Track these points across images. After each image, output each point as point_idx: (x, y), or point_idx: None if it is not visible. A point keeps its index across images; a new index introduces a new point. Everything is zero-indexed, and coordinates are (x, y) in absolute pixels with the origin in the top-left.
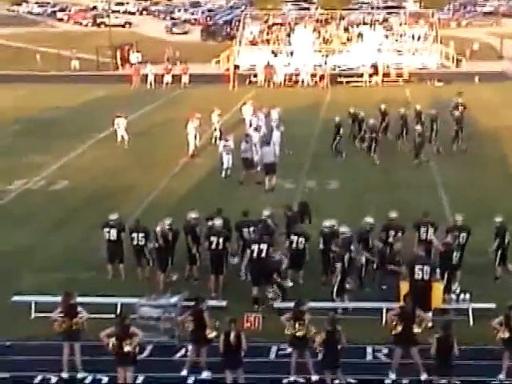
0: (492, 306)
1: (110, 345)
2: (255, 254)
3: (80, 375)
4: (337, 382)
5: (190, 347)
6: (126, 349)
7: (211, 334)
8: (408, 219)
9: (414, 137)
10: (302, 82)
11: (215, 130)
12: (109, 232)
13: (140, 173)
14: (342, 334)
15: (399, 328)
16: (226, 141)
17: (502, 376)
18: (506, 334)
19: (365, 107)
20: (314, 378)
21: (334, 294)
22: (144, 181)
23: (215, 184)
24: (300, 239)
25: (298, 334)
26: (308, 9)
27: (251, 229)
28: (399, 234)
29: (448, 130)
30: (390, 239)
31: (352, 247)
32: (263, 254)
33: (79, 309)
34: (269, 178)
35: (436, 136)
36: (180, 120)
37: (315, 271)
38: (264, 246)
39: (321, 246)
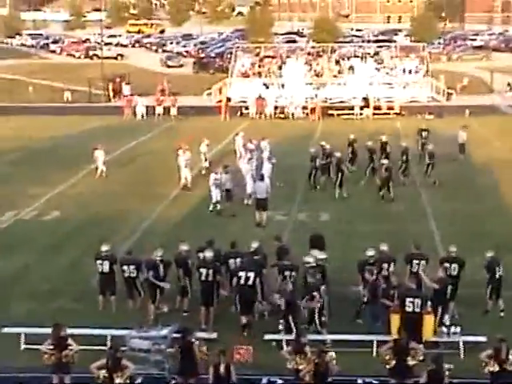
0: (483, 339)
1: (101, 377)
2: (242, 281)
3: None
4: None
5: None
6: (117, 381)
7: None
8: (399, 251)
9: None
10: (293, 114)
11: (205, 160)
12: (101, 264)
13: (132, 202)
14: (331, 364)
15: (393, 362)
16: (216, 174)
17: None
18: (496, 368)
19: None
20: None
21: (319, 326)
22: (136, 210)
23: (207, 215)
24: (292, 273)
25: (300, 368)
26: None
27: (238, 260)
28: (391, 266)
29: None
30: (384, 272)
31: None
32: (250, 282)
33: (69, 341)
34: (259, 213)
35: (406, 168)
36: (172, 150)
37: None
38: (251, 274)
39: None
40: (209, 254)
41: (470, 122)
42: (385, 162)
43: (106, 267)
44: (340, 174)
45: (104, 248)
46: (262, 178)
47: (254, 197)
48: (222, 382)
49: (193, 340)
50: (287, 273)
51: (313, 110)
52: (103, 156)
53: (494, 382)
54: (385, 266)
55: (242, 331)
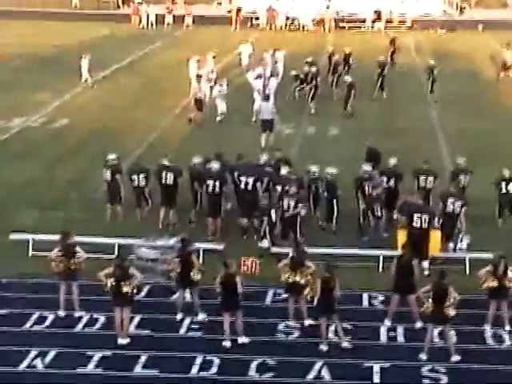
0: (489, 255)
1: (108, 285)
2: (242, 186)
3: (77, 314)
4: (332, 327)
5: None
6: (125, 290)
7: (196, 276)
8: (407, 166)
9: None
10: (304, 26)
11: (212, 71)
12: (106, 172)
13: (141, 112)
14: (337, 281)
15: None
16: (221, 85)
17: (486, 326)
18: (494, 283)
19: (367, 53)
20: (307, 322)
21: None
22: (145, 120)
23: (216, 125)
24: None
25: (299, 281)
26: None
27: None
28: (393, 180)
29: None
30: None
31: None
32: (249, 187)
33: (77, 249)
34: (265, 135)
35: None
36: (183, 61)
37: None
38: (251, 179)
39: (325, 194)
40: (215, 165)
41: (483, 36)
42: (347, 78)
43: (108, 176)
44: (313, 88)
45: (110, 156)
46: (267, 98)
47: (259, 117)
48: (229, 292)
49: (191, 250)
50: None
51: (323, 21)
52: (87, 65)
53: (492, 298)
54: (392, 180)
55: (241, 234)
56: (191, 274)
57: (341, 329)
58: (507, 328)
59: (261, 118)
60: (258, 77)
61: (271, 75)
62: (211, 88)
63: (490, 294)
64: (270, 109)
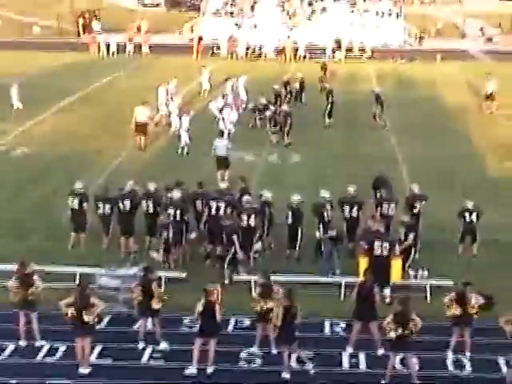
0: (449, 283)
1: (69, 314)
2: (213, 211)
3: (38, 343)
4: (294, 355)
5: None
6: (86, 319)
7: (157, 305)
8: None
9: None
10: (265, 55)
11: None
12: (72, 201)
13: (103, 140)
14: (299, 309)
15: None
16: (188, 116)
17: (448, 353)
18: (458, 311)
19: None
20: (274, 350)
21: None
22: (107, 148)
23: (177, 156)
24: (251, 217)
25: (264, 308)
26: None
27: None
28: (354, 208)
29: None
30: (346, 214)
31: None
32: (221, 212)
33: (35, 278)
34: (221, 173)
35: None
36: (145, 88)
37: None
38: (222, 204)
39: (289, 221)
40: (177, 194)
41: (442, 66)
42: (284, 108)
43: (75, 204)
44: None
45: (77, 185)
46: (221, 135)
47: (213, 154)
48: (207, 319)
49: (153, 278)
50: (244, 216)
51: (283, 50)
52: (16, 93)
53: (455, 325)
54: (354, 209)
55: (205, 259)
56: (153, 302)
57: (303, 355)
58: (468, 354)
59: (215, 154)
60: (223, 107)
61: (232, 109)
62: (180, 118)
63: (454, 322)
64: (224, 145)
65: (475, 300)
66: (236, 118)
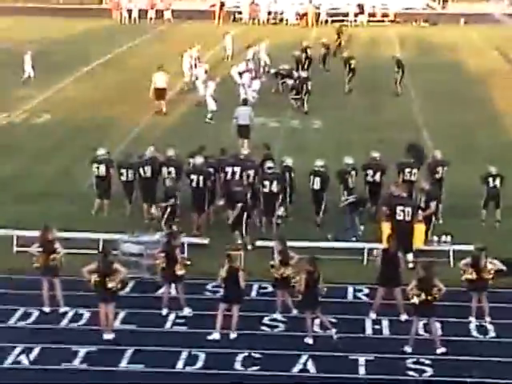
0: (472, 247)
1: (93, 281)
2: (229, 176)
3: (62, 310)
4: (317, 320)
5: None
6: (109, 285)
7: (180, 271)
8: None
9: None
10: (287, 20)
11: (195, 67)
12: (98, 168)
13: (124, 107)
14: (321, 274)
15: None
16: (213, 83)
17: (471, 318)
18: (473, 276)
19: (349, 47)
20: (295, 312)
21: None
22: (129, 115)
23: (200, 120)
24: (273, 183)
25: (284, 275)
26: None
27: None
28: (378, 173)
29: None
30: (369, 178)
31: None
32: (236, 176)
33: (56, 244)
34: (241, 141)
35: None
36: (166, 55)
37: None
38: (238, 169)
39: (315, 186)
40: (199, 160)
41: (465, 30)
42: (303, 74)
43: (102, 171)
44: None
45: (100, 151)
46: (245, 103)
47: (236, 122)
48: (231, 286)
49: (177, 244)
50: (266, 183)
51: (305, 15)
52: (30, 60)
53: (471, 290)
54: (377, 173)
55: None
56: (176, 268)
57: (326, 320)
58: (487, 319)
59: (237, 123)
60: (243, 72)
61: (255, 77)
62: (206, 84)
63: (470, 286)
64: (247, 114)
65: (491, 265)
66: (259, 86)
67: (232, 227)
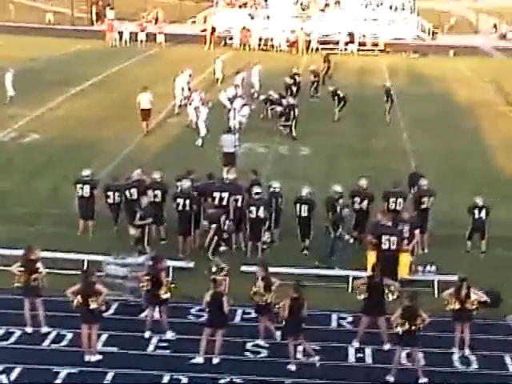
0: (457, 278)
1: (75, 302)
2: (216, 201)
3: (43, 330)
4: (301, 347)
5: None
6: (92, 306)
7: (165, 295)
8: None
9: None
10: (277, 47)
11: (188, 90)
12: (81, 188)
13: (115, 128)
14: (305, 301)
15: (365, 296)
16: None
17: (454, 349)
18: (457, 306)
19: (339, 75)
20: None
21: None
22: (118, 136)
23: (189, 145)
24: (260, 208)
25: (268, 300)
26: None
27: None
28: (365, 201)
29: None
30: (356, 206)
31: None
32: (224, 202)
33: (38, 264)
34: (227, 169)
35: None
36: (157, 77)
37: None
38: (225, 195)
39: (303, 214)
40: (186, 183)
41: (454, 62)
42: (291, 100)
43: (86, 191)
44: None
45: (85, 172)
46: (229, 130)
47: (220, 150)
48: (215, 310)
49: (162, 267)
50: (252, 208)
51: (296, 42)
52: (11, 79)
53: (455, 320)
54: (365, 201)
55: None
56: (161, 291)
57: (309, 347)
58: (467, 352)
59: (222, 150)
60: (234, 97)
61: (244, 104)
62: (197, 109)
63: (454, 317)
64: (232, 141)
65: (475, 296)
66: (248, 112)
67: (211, 251)
